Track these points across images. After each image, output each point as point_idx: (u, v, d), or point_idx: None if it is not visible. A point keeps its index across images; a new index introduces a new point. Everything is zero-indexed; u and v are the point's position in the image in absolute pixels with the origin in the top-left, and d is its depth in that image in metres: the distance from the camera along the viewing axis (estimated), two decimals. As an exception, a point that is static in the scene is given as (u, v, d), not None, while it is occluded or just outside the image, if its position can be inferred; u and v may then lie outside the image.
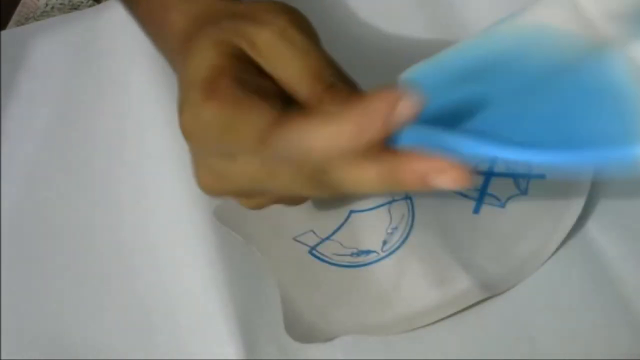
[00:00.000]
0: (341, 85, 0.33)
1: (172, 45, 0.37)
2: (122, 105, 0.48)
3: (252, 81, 0.32)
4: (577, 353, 0.36)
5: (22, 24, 0.55)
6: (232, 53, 0.33)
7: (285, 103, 0.32)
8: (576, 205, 0.39)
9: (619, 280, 0.37)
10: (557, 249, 0.38)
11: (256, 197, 0.36)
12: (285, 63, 0.33)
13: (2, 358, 0.40)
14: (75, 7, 0.55)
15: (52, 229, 0.44)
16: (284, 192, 0.34)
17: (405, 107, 0.28)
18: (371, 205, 0.41)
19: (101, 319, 0.41)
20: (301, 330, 0.38)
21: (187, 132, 0.33)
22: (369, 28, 0.48)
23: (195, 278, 0.41)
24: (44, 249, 0.44)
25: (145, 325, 0.40)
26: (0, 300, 0.42)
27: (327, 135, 0.29)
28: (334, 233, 0.41)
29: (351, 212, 0.41)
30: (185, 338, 0.39)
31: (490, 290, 0.38)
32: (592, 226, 0.39)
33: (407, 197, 0.41)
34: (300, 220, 0.41)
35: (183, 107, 0.33)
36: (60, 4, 0.56)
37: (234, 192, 0.35)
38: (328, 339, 0.38)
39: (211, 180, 0.34)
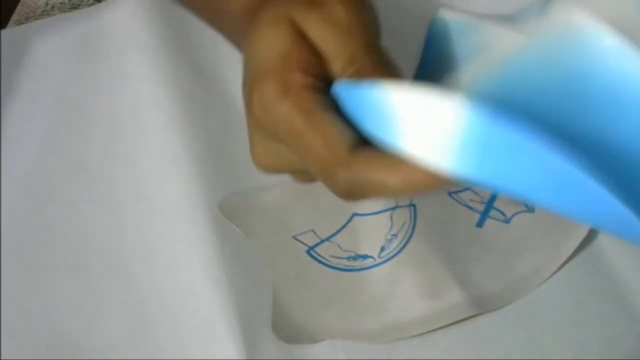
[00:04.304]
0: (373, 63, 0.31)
1: (232, 22, 0.36)
2: (122, 104, 0.48)
3: (314, 72, 0.31)
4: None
5: (22, 23, 0.55)
6: (293, 32, 0.32)
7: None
8: (583, 227, 0.38)
9: (626, 288, 0.37)
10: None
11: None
12: (326, 40, 0.32)
13: (2, 358, 0.40)
14: (75, 7, 0.55)
15: (51, 229, 0.44)
16: None
17: None
18: (375, 210, 0.41)
19: (101, 318, 0.41)
20: (287, 331, 0.38)
21: (254, 115, 0.31)
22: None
23: (195, 278, 0.40)
24: (44, 249, 0.43)
25: (145, 325, 0.40)
26: (0, 300, 0.42)
27: (401, 179, 0.27)
28: (334, 235, 0.40)
29: (354, 214, 0.41)
30: (185, 338, 0.39)
31: (482, 307, 0.37)
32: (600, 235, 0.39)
33: (411, 204, 0.40)
34: (303, 218, 0.41)
35: (253, 94, 0.31)
36: (61, 3, 0.56)
37: (288, 171, 0.33)
38: (314, 341, 0.38)
39: (267, 157, 0.33)
